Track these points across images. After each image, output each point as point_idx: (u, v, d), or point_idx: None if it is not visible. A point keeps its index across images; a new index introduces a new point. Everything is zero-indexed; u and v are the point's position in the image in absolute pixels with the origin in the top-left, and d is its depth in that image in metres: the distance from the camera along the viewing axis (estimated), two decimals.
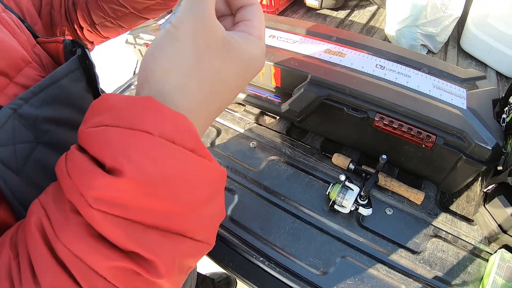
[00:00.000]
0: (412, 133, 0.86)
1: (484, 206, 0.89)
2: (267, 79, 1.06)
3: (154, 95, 0.33)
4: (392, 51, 1.03)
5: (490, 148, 0.80)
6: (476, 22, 1.43)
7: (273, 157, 1.12)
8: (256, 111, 1.27)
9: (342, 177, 0.93)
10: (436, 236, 0.93)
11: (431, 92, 0.91)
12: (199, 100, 0.35)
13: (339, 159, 1.05)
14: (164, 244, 0.31)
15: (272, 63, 1.00)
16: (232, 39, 0.36)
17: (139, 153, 0.29)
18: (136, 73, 1.53)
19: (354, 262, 0.89)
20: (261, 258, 0.91)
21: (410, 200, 0.98)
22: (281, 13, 1.85)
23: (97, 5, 0.73)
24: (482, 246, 0.90)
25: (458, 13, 1.42)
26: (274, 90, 1.10)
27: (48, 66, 0.52)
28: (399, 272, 0.87)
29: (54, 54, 0.55)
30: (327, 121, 1.05)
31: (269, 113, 1.26)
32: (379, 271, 0.87)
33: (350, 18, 1.78)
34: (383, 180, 0.99)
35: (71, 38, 0.77)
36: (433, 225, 0.94)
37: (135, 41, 1.29)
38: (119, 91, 1.42)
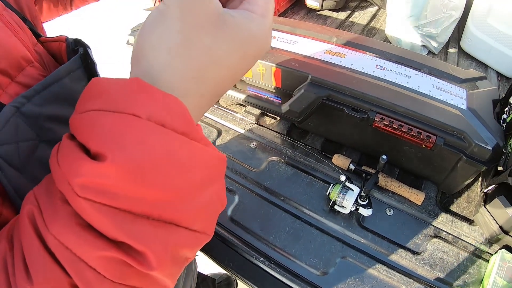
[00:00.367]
0: (412, 133, 0.86)
1: (484, 206, 0.89)
2: (267, 79, 1.06)
3: (142, 74, 0.32)
4: (392, 52, 1.03)
5: (490, 148, 0.80)
6: (477, 23, 1.43)
7: (273, 158, 1.12)
8: (257, 111, 1.27)
9: (342, 178, 0.94)
10: (436, 236, 0.93)
11: (431, 92, 0.91)
12: (187, 78, 0.33)
13: (339, 160, 1.05)
14: (155, 234, 0.30)
15: (273, 64, 1.00)
16: (228, 16, 0.34)
17: (125, 137, 0.28)
18: None
19: (354, 263, 0.89)
20: (261, 259, 0.91)
21: (410, 201, 0.98)
22: (282, 14, 1.85)
23: None
24: (482, 247, 0.90)
25: (459, 14, 1.42)
26: (274, 91, 1.10)
27: (50, 64, 0.53)
28: (399, 273, 0.87)
29: (57, 53, 0.56)
30: (327, 121, 1.05)
31: (269, 114, 1.27)
32: (379, 272, 0.87)
33: (350, 19, 1.78)
34: (384, 180, 0.99)
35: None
36: (433, 225, 0.94)
37: None
38: None
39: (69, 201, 0.28)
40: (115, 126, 0.28)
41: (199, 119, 0.36)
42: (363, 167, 1.02)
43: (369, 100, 0.90)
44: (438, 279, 0.85)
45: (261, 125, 1.24)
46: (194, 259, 1.24)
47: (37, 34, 0.55)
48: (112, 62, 3.12)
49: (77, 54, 0.50)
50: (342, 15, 1.81)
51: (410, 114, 0.86)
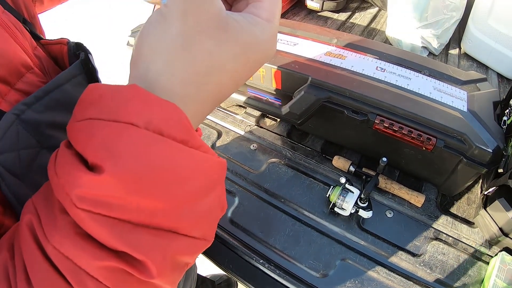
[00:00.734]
0: (412, 135, 0.86)
1: (484, 208, 0.89)
2: (267, 81, 1.06)
3: (140, 78, 0.31)
4: (393, 54, 1.03)
5: (491, 151, 0.80)
6: (477, 24, 1.43)
7: (273, 160, 1.12)
8: (257, 113, 1.27)
9: (342, 180, 0.94)
10: (436, 238, 0.93)
11: (432, 94, 0.91)
12: (186, 81, 0.32)
13: (339, 162, 1.05)
14: (154, 243, 0.30)
15: (273, 66, 1.00)
16: (232, 20, 0.33)
17: (122, 147, 0.27)
18: None
19: (354, 265, 0.89)
20: (261, 261, 0.91)
21: (410, 203, 0.98)
22: (282, 16, 1.85)
23: None
24: (482, 249, 0.90)
25: (459, 15, 1.42)
26: (274, 93, 1.10)
27: (49, 69, 0.52)
28: (399, 275, 0.87)
29: (58, 55, 0.55)
30: (327, 123, 1.05)
31: (269, 116, 1.27)
32: (379, 274, 0.87)
33: (351, 21, 1.78)
34: (384, 182, 0.99)
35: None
36: (433, 227, 0.94)
37: None
38: None
39: (68, 211, 0.28)
40: (112, 136, 0.27)
41: (198, 125, 0.36)
42: (363, 169, 1.02)
43: (369, 102, 0.90)
44: (438, 281, 0.85)
45: (261, 127, 1.24)
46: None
47: (37, 36, 0.55)
48: (112, 63, 3.13)
49: (78, 60, 0.50)
50: (342, 16, 1.81)
51: (411, 116, 0.86)
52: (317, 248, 0.92)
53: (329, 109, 0.95)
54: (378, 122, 0.88)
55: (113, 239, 0.28)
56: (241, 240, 0.95)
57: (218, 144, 1.19)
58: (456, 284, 0.84)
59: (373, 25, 1.74)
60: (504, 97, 0.95)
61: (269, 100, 1.13)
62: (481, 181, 1.02)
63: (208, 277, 1.78)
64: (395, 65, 1.00)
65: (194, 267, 1.17)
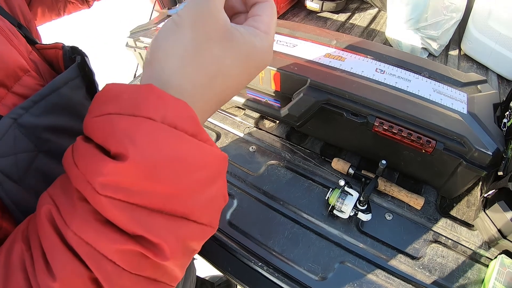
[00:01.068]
0: (412, 138, 0.85)
1: (484, 211, 0.89)
2: (266, 83, 1.06)
3: (154, 77, 0.35)
4: (392, 55, 1.03)
5: (491, 153, 0.80)
6: (478, 25, 1.43)
7: (272, 162, 1.12)
8: (256, 115, 1.27)
9: (342, 182, 0.93)
10: (436, 241, 0.92)
11: (432, 96, 0.91)
12: (196, 84, 0.36)
13: (338, 164, 1.05)
14: (169, 227, 0.33)
15: (272, 67, 1.00)
16: (235, 30, 0.38)
17: (143, 138, 0.30)
18: (136, 76, 1.53)
19: (353, 268, 0.88)
20: (260, 263, 0.90)
21: (410, 205, 0.98)
22: (282, 16, 1.86)
23: None
24: (482, 252, 0.90)
25: (459, 16, 1.42)
26: (273, 94, 1.10)
27: (45, 73, 0.52)
28: (398, 278, 0.86)
29: (53, 60, 0.55)
30: (326, 125, 1.05)
31: (268, 118, 1.26)
32: (378, 277, 0.86)
33: (350, 21, 1.78)
34: (383, 185, 0.99)
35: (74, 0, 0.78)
36: (433, 230, 0.94)
37: (135, 44, 1.29)
38: None
39: (88, 199, 0.30)
40: (134, 129, 0.30)
41: (205, 120, 0.40)
42: (363, 172, 1.02)
43: (369, 104, 0.90)
44: (437, 284, 0.85)
45: (260, 129, 1.23)
46: (193, 262, 1.25)
47: (32, 41, 0.55)
48: (112, 64, 3.13)
49: (74, 63, 0.50)
50: (342, 17, 1.81)
51: (410, 119, 0.86)
52: (316, 251, 0.92)
53: (328, 111, 0.94)
54: (377, 124, 0.88)
55: (132, 224, 0.31)
56: (239, 243, 0.95)
57: (217, 145, 1.18)
58: (455, 287, 0.84)
59: (372, 26, 1.74)
60: (504, 99, 0.95)
61: (268, 102, 1.13)
62: (481, 183, 1.01)
63: (207, 278, 1.77)
64: (394, 67, 1.00)
65: (193, 268, 1.17)
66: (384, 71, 0.97)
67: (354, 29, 1.71)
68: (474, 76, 0.98)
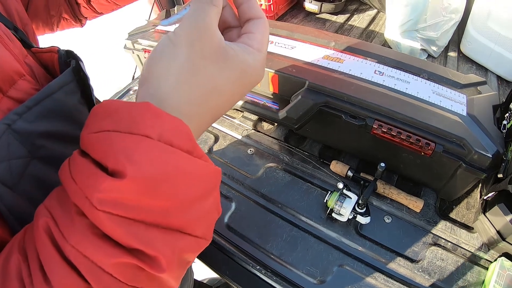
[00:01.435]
0: (411, 140, 0.85)
1: (484, 214, 0.88)
2: (264, 85, 1.06)
3: (150, 95, 0.36)
4: (391, 57, 1.03)
5: (490, 156, 0.79)
6: (477, 26, 1.43)
7: (270, 164, 1.12)
8: (254, 117, 1.27)
9: (340, 185, 0.93)
10: (435, 244, 0.92)
11: (431, 98, 0.90)
12: (192, 101, 0.38)
13: (337, 167, 1.05)
14: (165, 241, 0.34)
15: (270, 70, 1.00)
16: (229, 48, 0.39)
17: (140, 155, 0.31)
18: (134, 78, 1.53)
19: (351, 271, 0.88)
20: (258, 267, 0.90)
21: (409, 208, 0.98)
22: (281, 18, 1.86)
23: None
24: (481, 254, 0.90)
25: (459, 17, 1.42)
26: (271, 97, 1.10)
27: (40, 76, 0.52)
28: (397, 281, 0.86)
29: (49, 63, 0.55)
30: (325, 128, 1.04)
31: (267, 120, 1.26)
32: (377, 280, 0.86)
33: (349, 23, 1.78)
34: (382, 187, 0.99)
35: (67, 16, 0.79)
36: (432, 233, 0.94)
37: (134, 46, 1.28)
38: (117, 96, 1.43)
39: (86, 213, 0.31)
40: (131, 147, 0.31)
41: (199, 136, 0.41)
42: (361, 174, 1.02)
43: (367, 106, 0.89)
44: (436, 287, 0.84)
45: (258, 131, 1.23)
46: (191, 266, 1.24)
47: (28, 44, 0.55)
48: (110, 66, 3.13)
49: (69, 68, 0.50)
50: (341, 18, 1.82)
51: (409, 121, 0.86)
52: (315, 254, 0.91)
53: (327, 114, 0.94)
54: (376, 127, 0.88)
55: (129, 238, 0.32)
56: (237, 246, 0.95)
57: (215, 148, 1.19)
58: None
59: (371, 27, 1.74)
60: (504, 100, 0.95)
61: (266, 104, 1.13)
62: (480, 185, 1.01)
63: (205, 281, 1.77)
64: (393, 69, 0.99)
65: (190, 271, 1.17)
66: (383, 73, 0.97)
67: (353, 31, 1.72)
68: (474, 77, 0.97)
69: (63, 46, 0.56)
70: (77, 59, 0.52)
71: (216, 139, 1.22)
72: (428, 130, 0.85)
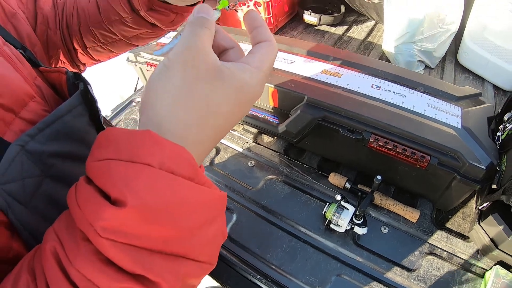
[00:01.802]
0: (406, 153, 0.87)
1: (479, 223, 0.90)
2: (264, 99, 1.09)
3: (150, 122, 0.36)
4: (388, 71, 1.05)
5: (484, 168, 0.82)
6: (473, 37, 1.45)
7: (271, 176, 1.14)
8: (255, 130, 1.29)
9: (338, 197, 0.95)
10: (431, 253, 0.94)
11: (426, 111, 0.92)
12: (189, 124, 0.37)
13: (335, 179, 1.07)
14: (168, 267, 0.34)
15: (270, 84, 1.02)
16: (225, 68, 0.38)
17: (141, 185, 0.31)
18: (136, 89, 1.56)
19: (349, 280, 0.90)
20: (259, 276, 0.92)
21: (405, 218, 1.00)
22: (280, 30, 1.89)
23: (89, 30, 0.75)
24: (477, 263, 0.92)
25: (455, 28, 1.44)
26: (272, 111, 1.12)
27: (49, 97, 0.54)
28: None
29: (56, 83, 0.57)
30: (323, 141, 1.07)
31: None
32: None
33: (348, 34, 1.81)
34: (379, 199, 1.01)
35: (65, 60, 0.80)
36: (428, 242, 0.96)
37: (136, 59, 1.31)
38: (120, 108, 1.46)
39: (91, 240, 0.32)
40: (132, 176, 0.32)
41: (201, 162, 0.40)
42: (359, 186, 1.04)
43: (364, 121, 0.92)
44: None
45: (258, 144, 1.26)
46: None
47: (36, 64, 0.57)
48: (112, 77, 3.14)
49: (77, 91, 0.52)
50: (340, 30, 1.84)
51: (405, 135, 0.88)
52: (313, 264, 0.94)
53: (325, 128, 0.97)
54: (372, 140, 0.90)
55: (132, 264, 0.32)
56: (238, 256, 0.97)
57: (216, 161, 1.22)
58: None
59: (369, 39, 1.76)
60: (499, 111, 0.97)
61: (266, 118, 1.15)
62: (476, 195, 1.03)
63: None
64: (390, 82, 1.02)
65: None
66: (380, 87, 0.99)
67: (352, 42, 1.74)
68: (469, 89, 1.00)
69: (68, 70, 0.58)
70: (85, 82, 0.54)
71: (217, 151, 1.25)
72: (424, 144, 0.87)
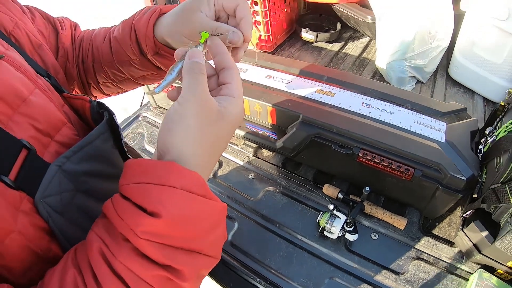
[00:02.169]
0: (392, 167, 0.94)
1: (462, 230, 0.96)
2: (263, 117, 1.15)
3: (176, 157, 0.46)
4: (378, 89, 1.11)
5: (465, 179, 0.87)
6: (463, 52, 1.51)
7: (269, 188, 1.22)
8: (254, 145, 1.36)
9: (331, 207, 1.03)
10: (418, 258, 1.00)
11: (412, 127, 0.98)
12: (205, 160, 0.49)
13: (329, 190, 1.15)
14: (188, 259, 0.44)
15: (268, 104, 1.09)
16: (222, 108, 0.49)
17: (169, 201, 0.42)
18: (142, 104, 1.65)
19: (341, 283, 0.97)
20: (258, 279, 1.00)
21: (394, 226, 1.06)
22: (279, 47, 1.94)
23: (101, 68, 0.82)
24: (462, 266, 0.98)
25: (446, 44, 1.49)
26: (270, 127, 1.19)
27: (76, 123, 0.61)
28: None
29: (79, 109, 0.64)
30: (318, 155, 1.13)
31: None
32: None
33: (344, 51, 1.87)
34: (369, 208, 1.08)
35: (79, 92, 0.87)
36: (415, 248, 1.02)
37: None
38: (127, 122, 1.56)
39: (130, 240, 0.41)
40: (164, 196, 0.42)
41: (208, 177, 0.53)
42: (351, 196, 1.11)
43: (354, 137, 0.98)
44: None
45: (258, 157, 1.33)
46: None
47: (60, 90, 0.64)
48: (120, 95, 3.20)
49: (104, 119, 0.59)
50: (336, 46, 1.90)
51: (391, 150, 0.94)
52: (308, 268, 1.01)
53: (319, 144, 1.04)
54: (361, 155, 0.97)
55: (162, 257, 0.42)
56: (240, 261, 1.04)
57: (219, 173, 1.29)
58: None
59: (364, 55, 1.83)
60: (483, 125, 1.03)
61: (265, 134, 1.23)
62: (461, 204, 1.09)
63: None
64: (379, 100, 1.08)
65: None
66: (370, 104, 1.06)
67: (347, 59, 1.80)
68: (454, 105, 1.06)
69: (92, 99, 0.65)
70: (109, 111, 0.62)
71: (220, 165, 1.33)
72: (408, 157, 0.93)
